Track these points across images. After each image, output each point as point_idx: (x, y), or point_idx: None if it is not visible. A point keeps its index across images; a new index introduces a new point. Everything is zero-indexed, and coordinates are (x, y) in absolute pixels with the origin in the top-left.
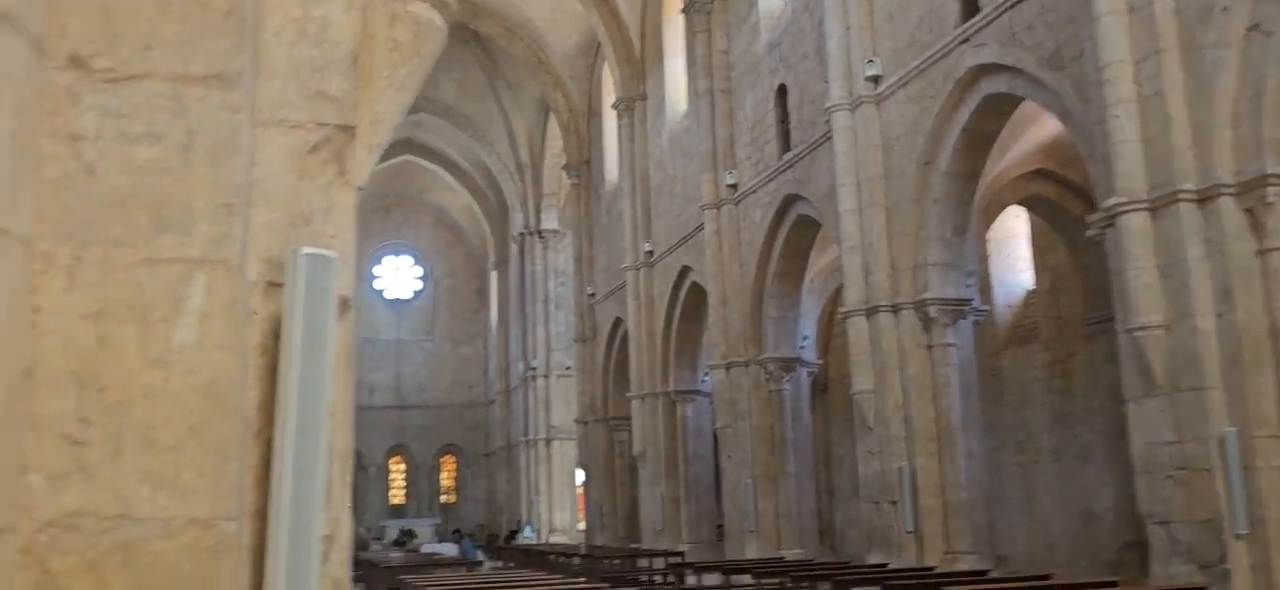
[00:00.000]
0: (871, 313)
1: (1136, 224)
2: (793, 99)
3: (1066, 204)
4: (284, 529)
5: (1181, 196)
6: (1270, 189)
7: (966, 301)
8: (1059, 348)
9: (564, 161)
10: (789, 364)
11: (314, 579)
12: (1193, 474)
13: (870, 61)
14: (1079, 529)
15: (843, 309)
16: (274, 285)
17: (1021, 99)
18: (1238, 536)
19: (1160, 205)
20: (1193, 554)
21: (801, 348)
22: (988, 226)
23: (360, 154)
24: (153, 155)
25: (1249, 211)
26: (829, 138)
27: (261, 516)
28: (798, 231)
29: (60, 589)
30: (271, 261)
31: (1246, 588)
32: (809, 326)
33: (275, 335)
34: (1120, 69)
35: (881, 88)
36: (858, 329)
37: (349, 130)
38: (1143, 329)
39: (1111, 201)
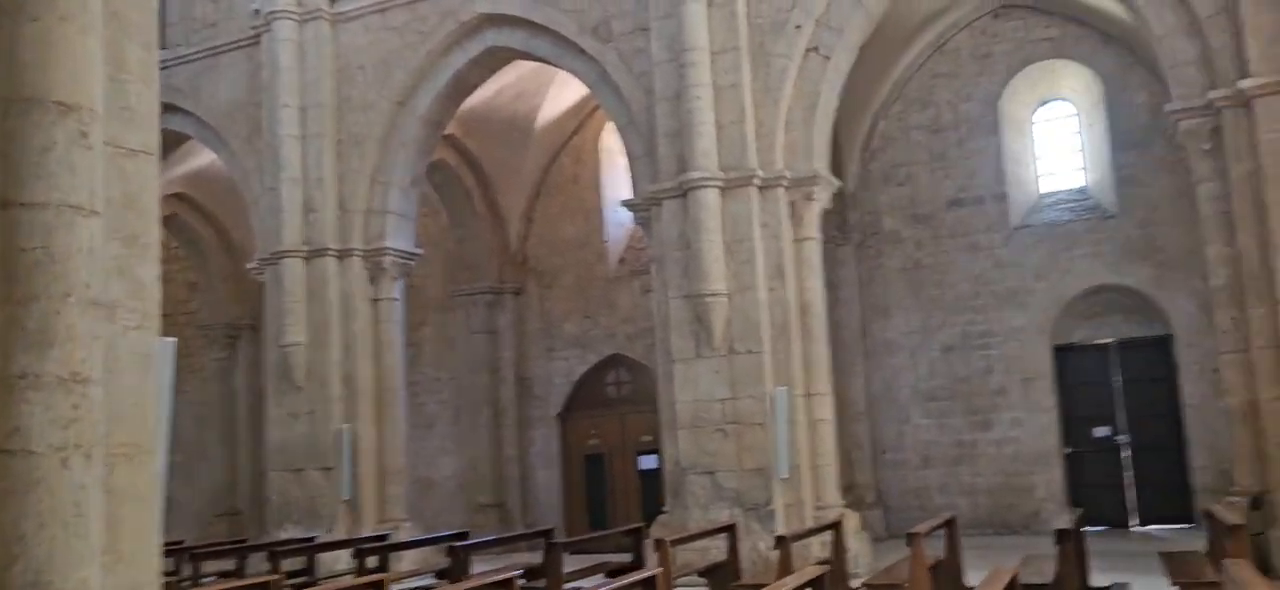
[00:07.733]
0: (313, 257)
1: (709, 199)
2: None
3: (461, 174)
4: None
5: (752, 181)
6: (816, 188)
7: (415, 255)
8: (412, 315)
9: None
10: None
11: None
12: (744, 428)
13: None
14: (417, 497)
15: (268, 250)
16: None
17: (522, 55)
18: (781, 480)
19: (733, 186)
20: (739, 498)
21: None
22: None
23: None
24: None
25: (793, 205)
26: (241, 46)
27: None
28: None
29: None
30: None
31: (784, 522)
32: None
33: None
34: (700, 55)
35: (343, 6)
36: (294, 273)
37: None
38: (712, 295)
39: (689, 175)
